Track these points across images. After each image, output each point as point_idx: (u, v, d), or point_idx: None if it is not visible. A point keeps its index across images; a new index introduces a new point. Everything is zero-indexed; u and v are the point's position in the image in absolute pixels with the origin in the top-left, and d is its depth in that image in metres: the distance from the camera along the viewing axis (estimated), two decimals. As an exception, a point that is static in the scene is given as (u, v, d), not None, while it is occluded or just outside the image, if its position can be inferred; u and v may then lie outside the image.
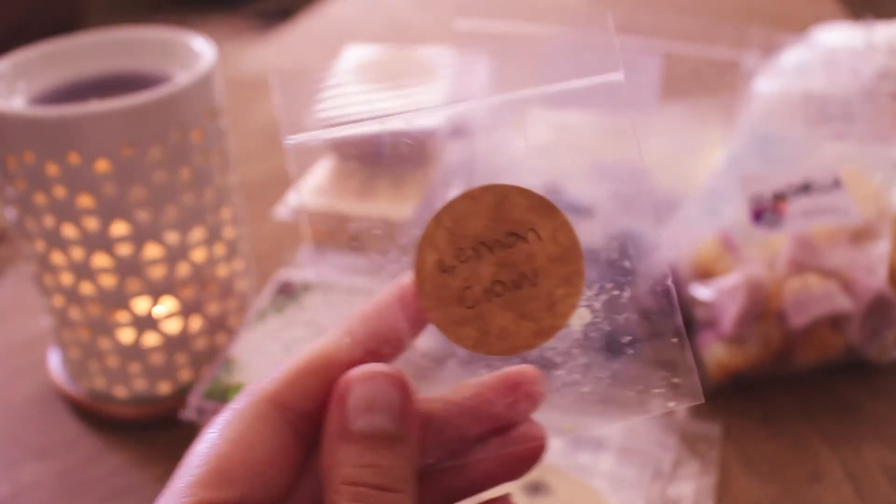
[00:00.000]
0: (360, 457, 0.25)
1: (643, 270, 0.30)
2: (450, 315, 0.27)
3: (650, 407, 0.31)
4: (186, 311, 0.53)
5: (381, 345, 0.28)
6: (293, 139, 0.29)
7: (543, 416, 0.29)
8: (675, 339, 0.30)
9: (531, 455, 0.29)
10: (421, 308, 0.28)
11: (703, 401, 0.30)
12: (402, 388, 0.26)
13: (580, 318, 0.29)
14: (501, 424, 0.29)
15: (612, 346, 0.30)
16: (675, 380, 0.30)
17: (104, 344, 0.53)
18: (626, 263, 0.30)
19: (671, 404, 0.30)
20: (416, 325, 0.29)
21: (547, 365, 0.29)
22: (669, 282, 0.30)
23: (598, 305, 0.29)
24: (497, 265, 0.28)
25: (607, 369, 0.30)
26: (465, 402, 0.28)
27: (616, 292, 0.30)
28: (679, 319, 0.29)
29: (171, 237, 0.51)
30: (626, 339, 0.30)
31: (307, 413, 0.27)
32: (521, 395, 0.29)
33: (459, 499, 0.30)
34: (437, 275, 0.27)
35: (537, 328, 0.28)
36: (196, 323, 0.54)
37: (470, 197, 0.28)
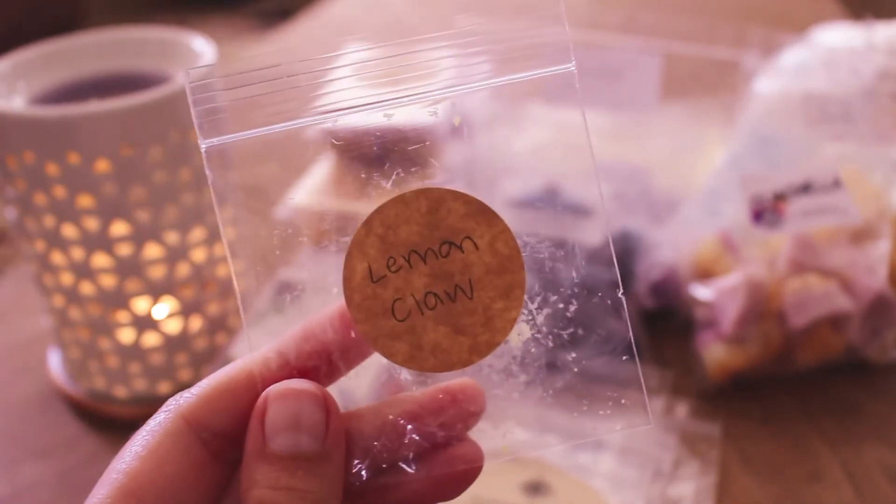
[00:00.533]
0: (276, 478, 0.24)
1: (592, 281, 0.28)
2: (380, 328, 0.26)
3: (595, 430, 0.29)
4: (186, 311, 0.53)
5: (311, 363, 0.27)
6: (209, 142, 0.27)
7: (478, 435, 0.28)
8: (625, 357, 0.28)
9: (465, 477, 0.27)
10: (351, 320, 0.26)
11: (651, 424, 0.28)
12: (322, 405, 0.25)
13: (519, 334, 0.27)
14: (436, 443, 0.27)
15: (554, 364, 0.28)
16: (624, 401, 0.28)
17: (104, 344, 0.53)
18: (574, 274, 0.28)
19: (619, 427, 0.28)
20: (351, 343, 0.27)
21: (483, 382, 0.28)
22: (621, 294, 0.28)
23: (540, 320, 0.27)
24: (430, 276, 0.26)
25: (549, 389, 0.28)
26: (396, 418, 0.27)
27: (560, 305, 0.28)
28: (630, 335, 0.27)
29: (171, 237, 0.51)
30: (571, 356, 0.28)
31: (224, 432, 0.26)
32: (458, 413, 0.27)
33: None
34: (366, 285, 0.26)
35: (473, 344, 0.26)
36: (196, 323, 0.54)
37: (402, 201, 0.26)
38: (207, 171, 0.27)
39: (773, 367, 0.55)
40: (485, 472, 0.48)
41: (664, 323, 0.60)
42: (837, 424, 0.53)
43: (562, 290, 0.28)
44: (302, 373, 0.27)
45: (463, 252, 0.26)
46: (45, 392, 0.58)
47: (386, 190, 0.27)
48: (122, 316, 0.52)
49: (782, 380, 0.56)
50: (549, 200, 0.58)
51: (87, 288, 0.51)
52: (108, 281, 0.51)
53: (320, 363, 0.27)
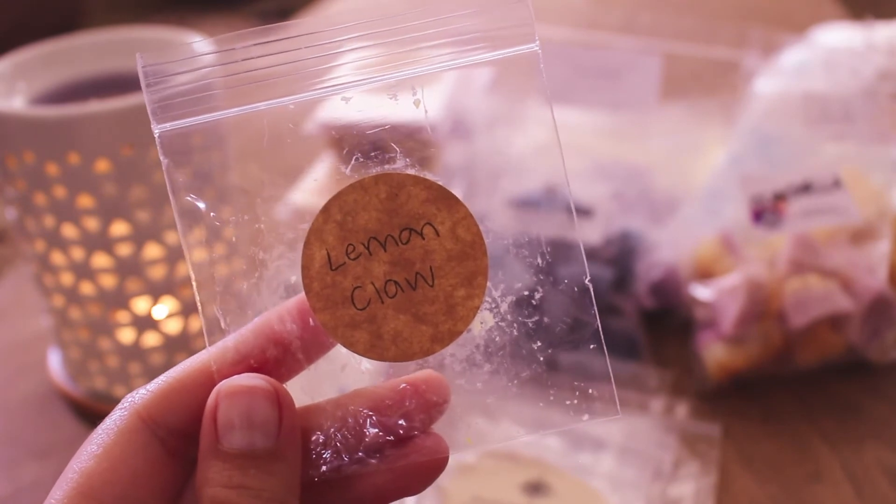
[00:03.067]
0: (229, 477, 0.24)
1: (558, 268, 0.27)
2: (339, 317, 0.25)
3: (561, 420, 0.28)
4: (186, 311, 0.53)
5: (270, 356, 0.26)
6: (163, 128, 0.26)
7: (442, 427, 0.27)
8: (593, 346, 0.27)
9: (429, 470, 0.26)
10: (310, 309, 0.26)
11: (619, 414, 0.27)
12: (274, 401, 0.24)
13: (482, 322, 0.26)
14: (399, 436, 0.26)
15: (519, 353, 0.27)
16: (591, 391, 0.27)
17: (104, 344, 0.53)
18: (539, 260, 0.27)
19: (586, 417, 0.27)
20: (311, 334, 0.26)
21: (446, 373, 0.27)
22: (587, 280, 0.27)
23: (504, 308, 0.27)
24: (390, 263, 0.25)
25: (514, 378, 0.27)
26: (357, 410, 0.26)
27: (525, 293, 0.27)
28: (597, 323, 0.27)
29: (171, 237, 0.51)
30: (537, 345, 0.27)
31: (180, 429, 0.25)
32: (420, 404, 0.26)
33: None
34: (325, 273, 0.25)
35: (434, 333, 0.26)
36: (196, 323, 0.54)
37: (361, 187, 0.25)
38: (162, 158, 0.26)
39: (773, 367, 0.55)
40: (485, 473, 0.48)
41: (664, 323, 0.60)
42: (837, 424, 0.53)
43: (526, 277, 0.27)
44: (261, 366, 0.26)
45: (423, 238, 0.26)
46: (45, 392, 0.58)
47: (345, 175, 0.26)
48: (122, 316, 0.52)
49: (782, 380, 0.55)
50: (549, 200, 0.58)
51: (87, 288, 0.51)
52: (108, 281, 0.51)
53: (280, 356, 0.26)
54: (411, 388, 0.26)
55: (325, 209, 0.25)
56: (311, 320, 0.26)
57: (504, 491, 0.47)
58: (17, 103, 0.51)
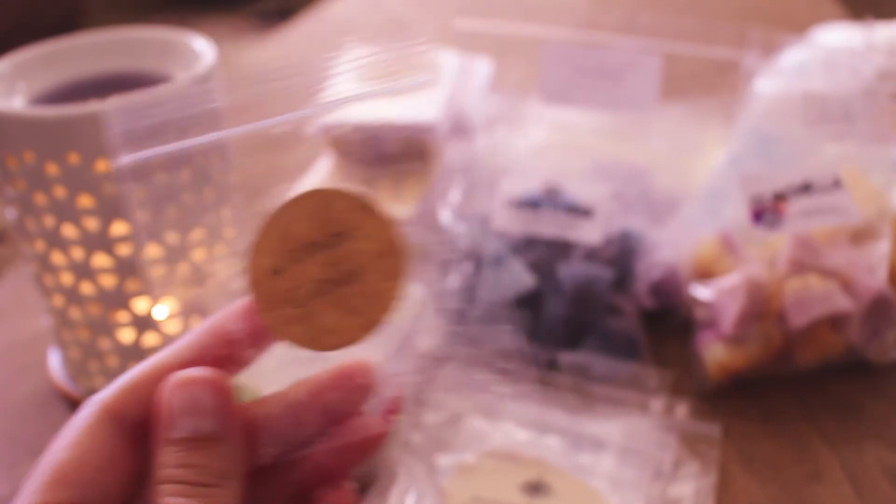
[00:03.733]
0: (180, 458, 0.27)
1: (477, 256, 0.30)
2: (280, 316, 0.29)
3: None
4: (186, 311, 0.53)
5: (221, 352, 0.29)
6: (126, 159, 0.30)
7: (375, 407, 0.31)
8: (510, 326, 0.30)
9: (361, 447, 0.30)
10: (255, 311, 0.29)
11: (536, 385, 0.30)
12: (217, 390, 0.28)
13: (405, 312, 0.30)
14: (336, 418, 0.30)
15: (444, 338, 0.30)
16: (508, 366, 0.31)
17: (104, 344, 0.53)
18: (457, 255, 0.30)
19: (502, 389, 0.30)
20: (257, 331, 0.30)
21: (379, 359, 0.30)
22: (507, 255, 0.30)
23: (430, 299, 0.30)
24: (324, 265, 0.29)
25: (441, 362, 0.30)
26: (301, 399, 0.30)
27: (449, 285, 0.30)
28: (512, 301, 0.29)
29: (171, 237, 0.51)
30: (463, 328, 0.30)
31: (141, 421, 0.28)
32: (351, 388, 0.30)
33: (302, 493, 0.31)
34: (268, 278, 0.29)
35: (363, 322, 0.29)
36: (196, 323, 0.54)
37: (295, 202, 0.29)
38: (120, 182, 0.30)
39: (773, 367, 0.55)
40: (485, 473, 0.48)
41: (664, 323, 0.60)
42: (837, 424, 0.53)
43: (447, 272, 0.30)
44: (212, 361, 0.29)
45: (351, 241, 0.29)
46: (45, 392, 0.58)
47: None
48: (122, 316, 0.52)
49: (782, 380, 0.56)
50: (549, 200, 0.58)
51: (87, 288, 0.51)
52: (108, 281, 0.51)
53: (230, 352, 0.29)
54: (344, 374, 0.30)
55: (266, 222, 0.29)
56: (256, 319, 0.29)
57: (504, 491, 0.47)
58: (17, 103, 0.51)
